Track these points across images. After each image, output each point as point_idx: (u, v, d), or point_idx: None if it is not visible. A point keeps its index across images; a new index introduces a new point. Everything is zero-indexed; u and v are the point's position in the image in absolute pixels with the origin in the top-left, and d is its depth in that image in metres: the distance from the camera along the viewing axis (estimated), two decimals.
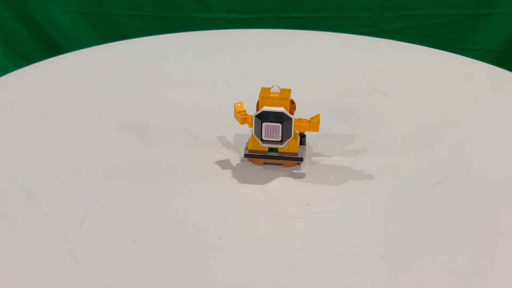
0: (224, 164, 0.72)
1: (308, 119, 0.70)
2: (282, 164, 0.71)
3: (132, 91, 0.89)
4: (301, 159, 0.71)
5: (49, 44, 1.62)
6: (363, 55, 1.02)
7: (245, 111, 0.70)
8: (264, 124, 0.68)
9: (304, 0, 1.55)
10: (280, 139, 0.69)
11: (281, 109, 0.68)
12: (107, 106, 0.85)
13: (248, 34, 1.12)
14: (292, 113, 0.69)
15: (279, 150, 0.71)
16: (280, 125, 0.68)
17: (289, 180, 0.70)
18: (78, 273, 0.58)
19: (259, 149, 0.71)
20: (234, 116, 0.71)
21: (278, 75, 0.92)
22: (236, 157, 0.73)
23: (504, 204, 0.67)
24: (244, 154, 0.71)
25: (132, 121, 0.81)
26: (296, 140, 0.70)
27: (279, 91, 0.68)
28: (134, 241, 0.61)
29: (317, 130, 0.69)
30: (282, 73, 0.94)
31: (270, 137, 0.69)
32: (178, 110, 0.83)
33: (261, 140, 0.69)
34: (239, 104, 0.71)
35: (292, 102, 0.70)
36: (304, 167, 0.71)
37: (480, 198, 0.67)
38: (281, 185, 0.69)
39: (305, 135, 0.72)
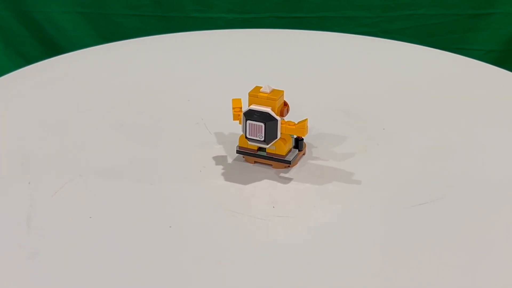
0: (218, 158, 0.73)
1: (296, 123, 0.70)
2: (271, 165, 0.72)
3: (132, 91, 0.89)
4: (288, 162, 0.70)
5: (49, 44, 1.62)
6: (363, 55, 1.02)
7: (240, 107, 0.70)
8: (248, 122, 0.69)
9: (304, 0, 1.55)
10: (263, 139, 0.69)
11: (267, 109, 0.68)
12: (107, 106, 0.85)
13: (248, 34, 1.12)
14: (282, 114, 0.69)
15: (267, 151, 0.71)
16: (263, 124, 0.68)
17: (269, 181, 0.70)
18: (22, 238, 0.62)
19: (248, 147, 0.71)
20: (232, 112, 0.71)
21: (278, 75, 0.92)
22: (233, 154, 0.73)
23: (503, 205, 0.67)
24: (236, 151, 0.72)
25: (131, 121, 0.81)
26: (284, 142, 0.70)
27: (268, 91, 0.69)
28: (90, 217, 0.64)
29: (302, 134, 0.69)
30: (282, 73, 0.94)
31: (253, 136, 0.69)
32: (177, 109, 0.84)
33: (246, 137, 0.69)
34: (236, 100, 0.71)
35: (285, 104, 0.70)
36: (294, 170, 0.71)
37: (479, 199, 0.68)
38: (258, 185, 0.69)
39: (302, 139, 0.72)
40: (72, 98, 0.87)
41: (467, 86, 0.91)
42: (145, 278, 0.58)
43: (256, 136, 0.69)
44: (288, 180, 0.70)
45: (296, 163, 0.72)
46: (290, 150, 0.71)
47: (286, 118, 0.71)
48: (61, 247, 0.61)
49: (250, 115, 0.69)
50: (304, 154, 0.74)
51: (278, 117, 0.68)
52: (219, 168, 0.72)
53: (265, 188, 0.69)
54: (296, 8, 1.56)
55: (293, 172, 0.71)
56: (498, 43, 1.57)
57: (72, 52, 1.04)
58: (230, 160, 0.73)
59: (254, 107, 0.69)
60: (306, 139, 0.75)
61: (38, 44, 1.63)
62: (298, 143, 0.72)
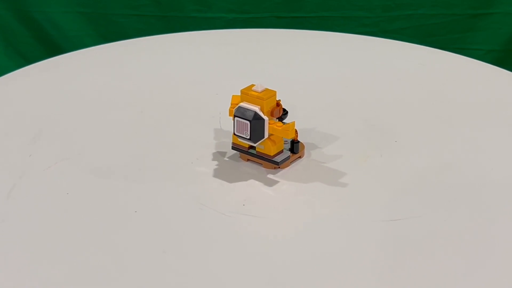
0: (216, 153, 0.74)
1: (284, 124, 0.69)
2: (262, 164, 0.72)
3: (132, 91, 0.89)
4: (276, 163, 0.70)
5: (49, 44, 1.62)
6: (363, 55, 1.02)
7: (237, 104, 0.70)
8: (236, 118, 0.69)
9: (304, 0, 1.55)
10: (248, 137, 0.69)
11: (255, 108, 0.68)
12: (107, 105, 0.85)
13: (248, 34, 1.12)
14: (272, 115, 0.69)
15: (257, 149, 0.71)
16: (248, 123, 0.68)
17: (252, 180, 0.70)
18: None
19: (240, 144, 0.71)
20: None
21: (278, 75, 0.92)
22: (232, 150, 0.74)
23: (504, 204, 0.67)
24: (231, 147, 0.72)
25: (131, 121, 0.81)
26: (272, 143, 0.70)
27: (260, 90, 0.69)
28: (67, 194, 0.67)
29: (287, 136, 0.69)
30: (282, 73, 0.94)
31: (240, 133, 0.69)
32: (177, 108, 0.84)
33: (234, 134, 0.70)
34: (236, 97, 0.71)
35: (278, 105, 0.70)
36: (282, 172, 0.71)
37: (479, 199, 0.67)
38: (240, 182, 0.69)
39: (297, 142, 0.72)
40: (72, 98, 0.87)
41: (467, 86, 0.91)
42: (90, 255, 0.60)
43: (243, 134, 0.69)
44: (272, 181, 0.70)
45: (288, 165, 0.72)
46: (281, 151, 0.71)
47: (287, 120, 0.71)
48: (28, 217, 0.64)
49: (239, 112, 0.69)
50: (301, 157, 0.73)
51: (265, 117, 0.68)
52: (211, 162, 0.72)
53: (245, 186, 0.69)
54: (296, 8, 1.56)
55: (281, 173, 0.71)
56: (498, 43, 1.57)
57: (72, 52, 1.04)
58: (226, 156, 0.73)
59: (243, 104, 0.69)
60: (311, 142, 0.75)
61: (38, 44, 1.63)
62: (293, 146, 0.72)
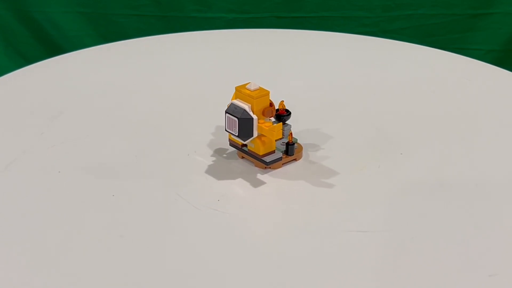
0: (215, 149, 0.74)
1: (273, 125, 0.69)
2: (254, 163, 0.72)
3: (132, 91, 0.89)
4: (265, 163, 0.70)
5: (49, 44, 1.62)
6: (363, 55, 1.02)
7: None
8: (227, 115, 0.69)
9: (304, 0, 1.55)
10: (237, 134, 0.69)
11: (245, 106, 0.68)
12: (107, 106, 0.85)
13: (248, 34, 1.12)
14: (264, 114, 0.69)
15: (248, 148, 0.71)
16: (236, 120, 0.68)
17: (238, 178, 0.70)
18: None
19: (235, 141, 0.72)
20: None
21: (278, 75, 0.92)
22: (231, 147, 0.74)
23: (504, 204, 0.67)
24: (229, 143, 0.73)
25: (131, 119, 0.81)
26: (262, 142, 0.70)
27: (252, 88, 0.69)
28: (59, 172, 0.70)
29: (272, 136, 0.69)
30: (282, 73, 0.94)
31: (230, 130, 0.70)
32: (178, 108, 0.84)
33: (225, 130, 0.70)
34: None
35: (271, 105, 0.70)
36: (272, 172, 0.71)
37: (480, 199, 0.67)
38: (223, 179, 0.70)
39: (292, 144, 0.71)
40: (72, 98, 0.87)
41: (467, 86, 0.91)
42: (51, 231, 0.62)
43: (232, 130, 0.70)
44: (257, 180, 0.70)
45: (280, 166, 0.71)
46: (272, 152, 0.71)
47: (290, 121, 0.71)
48: (14, 189, 0.67)
49: (230, 109, 0.69)
50: (296, 159, 0.73)
51: (254, 116, 0.68)
52: (207, 157, 0.73)
53: (228, 183, 0.69)
54: (296, 8, 1.56)
55: (270, 173, 0.71)
56: (498, 43, 1.57)
57: (72, 52, 1.04)
58: (225, 152, 0.74)
59: (235, 102, 0.69)
60: (311, 143, 0.75)
61: (38, 44, 1.63)
62: (288, 148, 0.72)
